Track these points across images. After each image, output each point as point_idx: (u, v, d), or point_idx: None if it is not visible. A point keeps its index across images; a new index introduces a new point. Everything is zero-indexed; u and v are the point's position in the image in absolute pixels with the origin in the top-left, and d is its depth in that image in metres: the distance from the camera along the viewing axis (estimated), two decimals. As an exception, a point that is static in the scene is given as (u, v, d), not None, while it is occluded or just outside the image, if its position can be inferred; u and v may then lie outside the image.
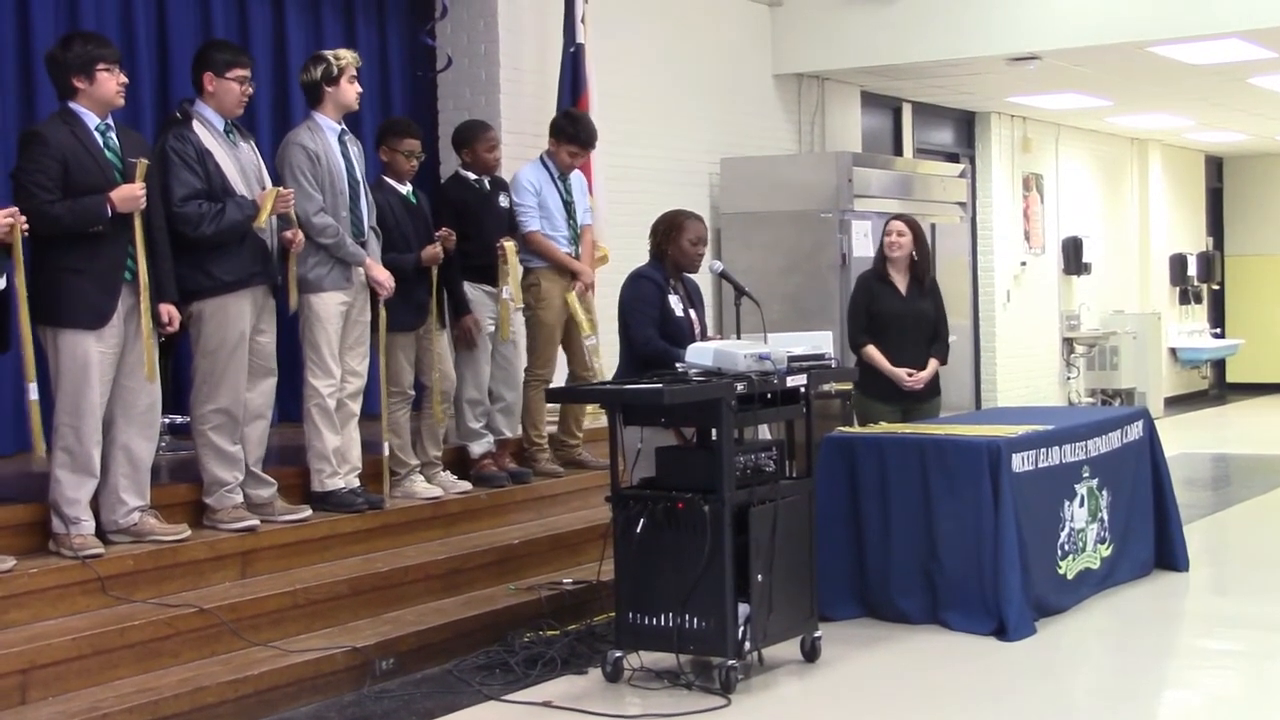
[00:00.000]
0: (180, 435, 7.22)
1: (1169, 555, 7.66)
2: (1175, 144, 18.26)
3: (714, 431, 5.65)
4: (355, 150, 6.72)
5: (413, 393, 7.13)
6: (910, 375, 7.65)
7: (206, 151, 6.04)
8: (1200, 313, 19.39)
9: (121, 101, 5.75)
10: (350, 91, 6.62)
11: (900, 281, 7.77)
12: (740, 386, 5.62)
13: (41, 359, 5.78)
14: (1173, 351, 18.22)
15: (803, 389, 5.97)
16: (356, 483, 6.67)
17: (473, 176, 7.56)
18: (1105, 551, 7.18)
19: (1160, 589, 7.38)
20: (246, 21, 8.25)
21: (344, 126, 6.69)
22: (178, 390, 7.12)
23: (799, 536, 5.89)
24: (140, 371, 5.70)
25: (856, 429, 7.35)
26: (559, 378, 7.88)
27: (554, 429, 8.04)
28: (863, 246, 10.40)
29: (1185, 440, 13.66)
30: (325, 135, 6.58)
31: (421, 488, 7.05)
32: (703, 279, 7.18)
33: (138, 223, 5.61)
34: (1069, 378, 16.11)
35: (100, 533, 5.70)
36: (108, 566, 5.56)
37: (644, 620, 5.64)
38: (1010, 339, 14.85)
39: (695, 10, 10.86)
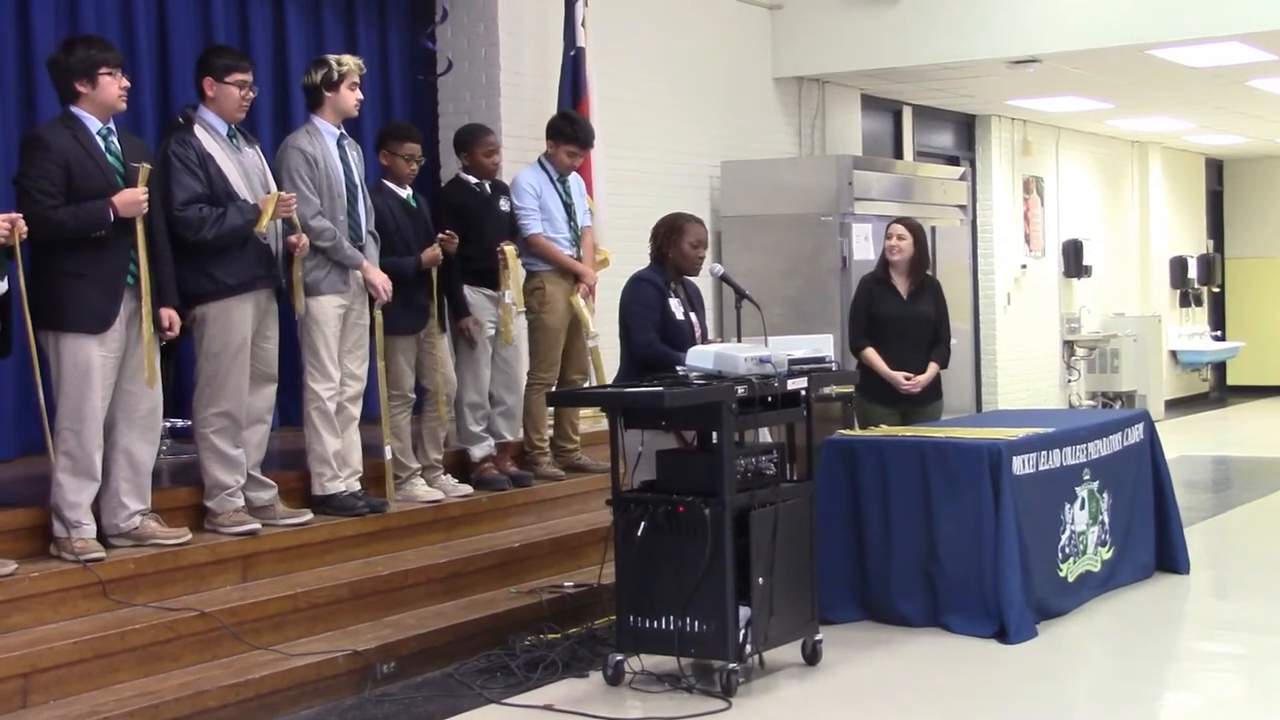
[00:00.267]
0: (181, 439, 7.22)
1: (1170, 558, 7.66)
2: (1175, 147, 18.27)
3: (715, 435, 5.65)
4: (354, 154, 6.72)
5: (413, 396, 7.13)
6: (908, 379, 7.66)
7: (208, 156, 6.05)
8: (1201, 315, 19.39)
9: (123, 106, 5.75)
10: (349, 98, 6.62)
11: (901, 285, 7.78)
12: (741, 390, 5.63)
13: (43, 363, 5.79)
14: (1173, 354, 18.23)
15: (803, 392, 5.97)
16: (358, 486, 6.67)
17: (473, 180, 7.56)
18: (1106, 554, 7.18)
19: (1161, 592, 7.38)
20: (247, 24, 8.26)
21: (343, 131, 6.70)
22: (179, 394, 7.13)
23: (800, 539, 5.89)
24: (141, 376, 5.71)
25: (857, 432, 7.35)
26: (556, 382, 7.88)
27: (550, 432, 8.03)
28: (863, 249, 10.40)
29: (1186, 443, 13.66)
30: (324, 139, 6.59)
31: (422, 491, 7.05)
32: (703, 282, 7.18)
33: (139, 227, 5.61)
34: (1069, 380, 16.11)
35: (101, 536, 5.71)
36: (109, 570, 5.56)
37: (645, 623, 5.65)
38: (1011, 342, 14.85)
39: (695, 13, 10.87)
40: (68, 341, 5.55)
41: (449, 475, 7.29)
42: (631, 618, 5.67)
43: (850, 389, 7.95)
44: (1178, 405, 17.89)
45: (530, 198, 7.69)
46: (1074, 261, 16.13)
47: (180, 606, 5.60)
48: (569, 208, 7.82)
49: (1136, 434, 7.58)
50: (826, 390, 7.71)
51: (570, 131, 7.86)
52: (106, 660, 5.22)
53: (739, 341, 6.40)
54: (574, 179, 7.96)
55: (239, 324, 6.09)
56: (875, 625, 6.59)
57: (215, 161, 6.06)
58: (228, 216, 6.01)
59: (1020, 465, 6.52)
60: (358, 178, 6.70)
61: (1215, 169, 20.01)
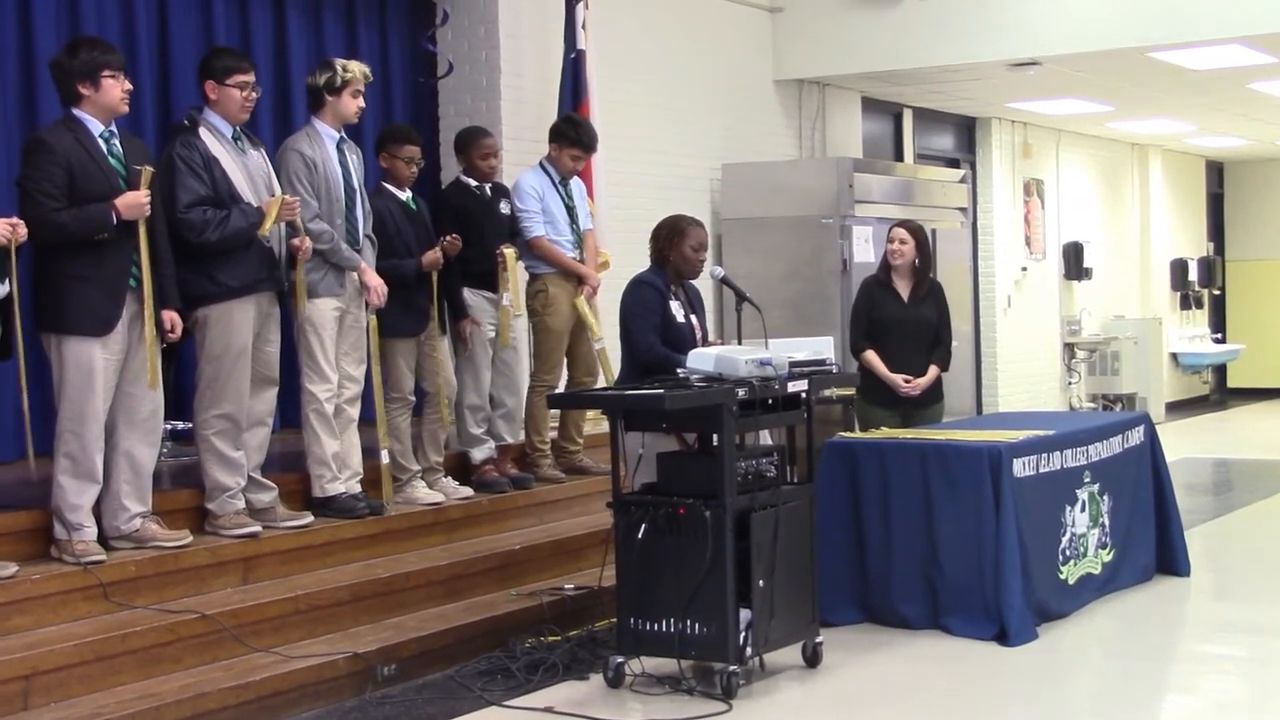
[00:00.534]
0: (182, 441, 7.23)
1: (1170, 560, 7.66)
2: (1176, 149, 18.27)
3: (715, 437, 5.65)
4: (354, 158, 6.73)
5: (413, 399, 7.13)
6: (908, 381, 7.66)
7: (213, 158, 6.05)
8: (1201, 318, 19.39)
9: (126, 108, 5.76)
10: (350, 105, 6.63)
11: (903, 288, 7.79)
12: (741, 392, 5.63)
13: (43, 365, 5.80)
14: (1174, 356, 18.23)
15: (804, 394, 5.97)
16: (358, 488, 6.67)
17: (473, 183, 7.57)
18: (1106, 556, 7.18)
19: (1161, 594, 7.38)
20: (248, 27, 8.26)
21: (343, 134, 6.70)
22: (179, 397, 7.14)
23: (800, 542, 5.89)
24: (143, 378, 5.71)
25: (858, 434, 7.35)
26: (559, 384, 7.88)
27: (554, 434, 8.04)
28: (863, 252, 10.41)
29: (1186, 445, 13.66)
30: (324, 142, 6.59)
31: (423, 494, 7.05)
32: (704, 285, 7.19)
33: (142, 230, 5.62)
34: (1070, 383, 16.11)
35: (102, 539, 5.71)
36: (110, 573, 5.56)
37: (645, 626, 5.65)
38: (1011, 344, 14.85)
39: (696, 16, 10.87)
40: (70, 344, 5.56)
41: (449, 478, 7.30)
42: (632, 620, 5.68)
43: (851, 391, 7.95)
44: (1178, 408, 17.89)
45: (533, 200, 7.69)
46: (1074, 264, 16.13)
47: (181, 609, 5.61)
48: (571, 210, 7.83)
49: (1137, 436, 7.58)
50: (827, 393, 7.71)
51: (574, 135, 7.86)
52: (107, 662, 5.23)
53: (739, 344, 6.40)
54: (575, 182, 7.97)
55: (241, 326, 6.09)
56: (876, 627, 6.59)
57: (220, 164, 6.07)
58: (231, 219, 6.02)
59: (1021, 468, 6.52)
60: (356, 181, 6.70)
61: (1216, 171, 20.01)
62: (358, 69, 6.66)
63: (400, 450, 7.02)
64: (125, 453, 5.74)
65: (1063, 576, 6.81)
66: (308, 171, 6.49)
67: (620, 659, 5.72)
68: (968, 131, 14.76)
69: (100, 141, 5.64)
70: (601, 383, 7.86)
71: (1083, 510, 6.99)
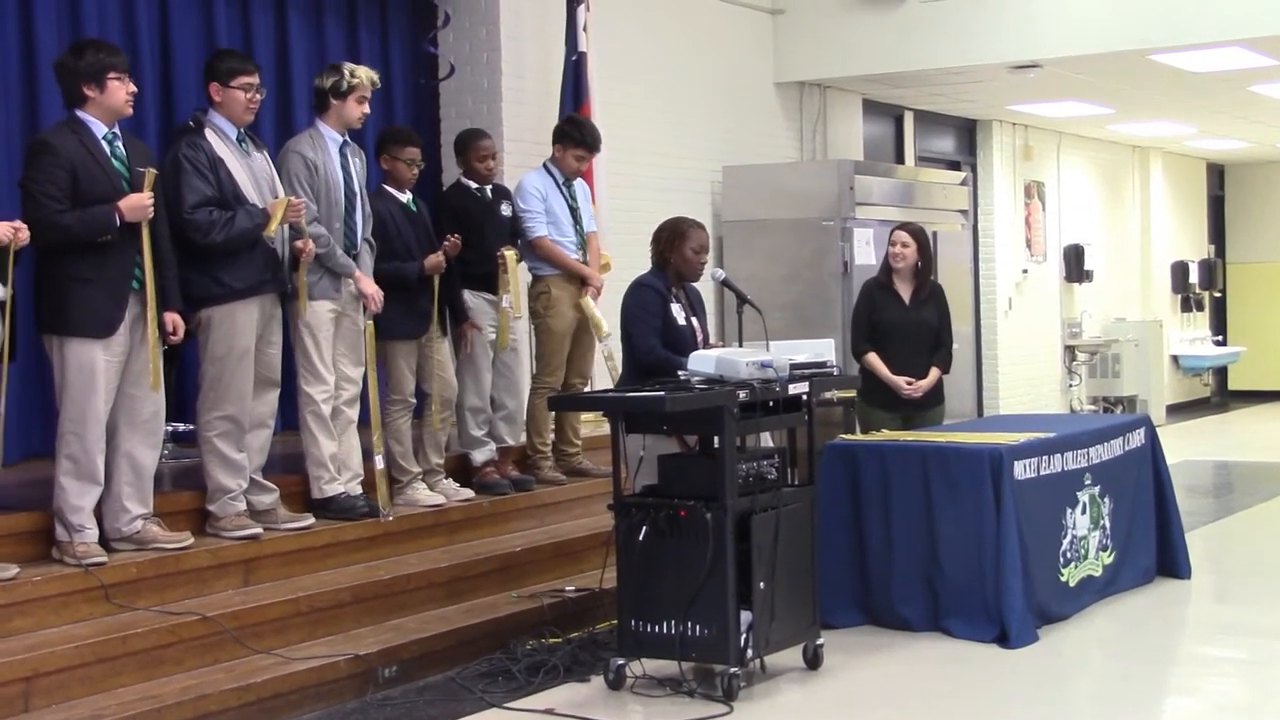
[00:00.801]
0: (183, 443, 7.23)
1: (1171, 562, 7.66)
2: (1177, 151, 18.27)
3: (716, 439, 5.65)
4: (357, 162, 6.73)
5: (414, 400, 7.13)
6: (910, 384, 7.66)
7: (219, 159, 6.06)
8: (1202, 320, 19.39)
9: (130, 111, 5.77)
10: (355, 111, 6.63)
11: (904, 290, 7.79)
12: (742, 394, 5.63)
13: (45, 367, 5.80)
14: (1175, 359, 18.23)
15: (805, 397, 5.97)
16: (358, 489, 6.67)
17: (474, 185, 7.57)
18: (1107, 559, 7.18)
19: (1162, 596, 7.38)
20: (249, 29, 8.26)
21: (346, 138, 6.70)
22: (181, 398, 7.14)
23: (801, 544, 5.89)
24: (145, 380, 5.71)
25: (858, 436, 7.35)
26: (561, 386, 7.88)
27: (552, 437, 8.03)
28: (864, 254, 10.41)
29: (1187, 448, 13.66)
30: (326, 145, 6.60)
31: (424, 495, 7.05)
32: (705, 287, 7.19)
33: (145, 232, 5.62)
34: (1071, 385, 16.11)
35: (103, 540, 5.71)
36: (111, 574, 5.56)
37: (646, 628, 5.65)
38: (1012, 347, 14.85)
39: (697, 18, 10.88)
40: (72, 346, 5.56)
41: (450, 479, 7.30)
42: (633, 622, 5.68)
43: (852, 393, 7.95)
44: (1179, 410, 17.89)
45: (536, 201, 7.69)
46: (1075, 266, 16.13)
47: (182, 610, 5.61)
48: (574, 211, 7.83)
49: (1138, 439, 7.59)
50: (828, 395, 7.71)
51: (578, 136, 7.87)
52: (108, 664, 5.23)
53: (740, 346, 6.40)
54: (579, 184, 7.97)
55: (244, 328, 6.10)
56: (876, 629, 6.59)
57: (225, 165, 6.08)
58: (237, 220, 6.02)
59: (1021, 470, 6.52)
60: (358, 185, 6.70)
61: (1217, 174, 20.01)
62: (365, 75, 6.67)
63: (401, 452, 7.02)
64: (127, 454, 5.74)
65: (1063, 579, 6.81)
66: (308, 174, 6.50)
67: (621, 661, 5.73)
68: (968, 134, 14.76)
69: (103, 143, 5.65)
70: (609, 384, 7.86)
71: (1083, 512, 6.99)
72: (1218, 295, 19.80)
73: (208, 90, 6.16)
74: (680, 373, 5.86)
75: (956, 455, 6.53)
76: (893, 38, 11.16)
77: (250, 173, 6.17)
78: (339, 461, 6.60)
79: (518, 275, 7.53)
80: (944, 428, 7.62)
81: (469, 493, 7.30)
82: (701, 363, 5.81)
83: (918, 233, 7.85)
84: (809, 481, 6.12)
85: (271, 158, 6.44)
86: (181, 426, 7.14)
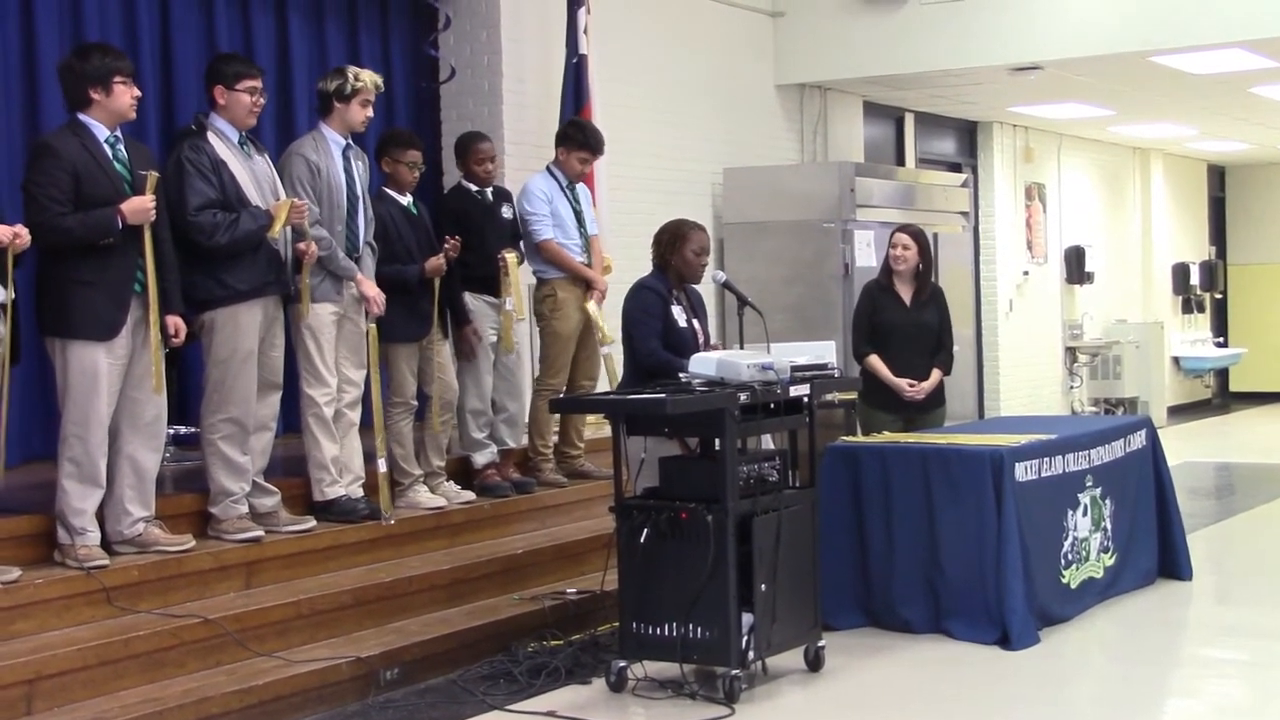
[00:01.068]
0: (185, 446, 7.24)
1: (1172, 564, 7.66)
2: (1177, 153, 18.27)
3: (717, 441, 5.66)
4: (359, 166, 6.74)
5: (415, 403, 7.13)
6: (912, 386, 7.67)
7: (221, 162, 6.07)
8: (1203, 322, 19.39)
9: (134, 115, 5.80)
10: (358, 114, 6.64)
11: (905, 292, 7.79)
12: (743, 396, 5.63)
13: (47, 370, 5.80)
14: (1176, 360, 18.22)
15: (806, 399, 5.98)
16: (359, 492, 6.68)
17: (474, 188, 7.58)
18: (1108, 560, 7.19)
19: (1164, 598, 7.38)
20: (250, 33, 8.27)
21: (349, 141, 6.71)
22: (182, 401, 7.14)
23: (802, 546, 5.90)
24: (147, 383, 5.72)
25: (860, 438, 7.35)
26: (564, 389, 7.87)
27: (555, 439, 8.03)
28: (865, 256, 10.41)
29: (1188, 449, 13.66)
30: (329, 148, 6.61)
31: (425, 498, 7.05)
32: (706, 289, 7.19)
33: (147, 235, 5.63)
34: (1072, 387, 16.11)
35: (105, 543, 5.72)
36: (113, 577, 5.57)
37: (648, 630, 5.65)
38: (1013, 348, 14.85)
39: (697, 21, 10.88)
40: (75, 348, 5.57)
41: (452, 482, 7.30)
42: (634, 624, 5.68)
43: (853, 395, 7.96)
44: (1180, 412, 17.89)
45: (542, 204, 7.69)
46: (1076, 268, 16.13)
47: (184, 613, 5.61)
48: (579, 215, 7.82)
49: (1139, 440, 7.59)
50: (829, 397, 7.71)
51: (581, 138, 7.87)
52: (111, 667, 5.23)
53: (741, 348, 6.40)
54: (581, 187, 7.96)
55: (247, 330, 6.11)
56: (878, 631, 6.59)
57: (228, 168, 6.08)
58: (241, 222, 6.03)
59: (1023, 472, 6.52)
60: (360, 189, 6.71)
61: (1218, 175, 20.02)
62: (369, 79, 6.67)
63: (402, 455, 7.02)
64: (129, 457, 5.75)
65: (1065, 580, 6.81)
66: (311, 176, 6.50)
67: (622, 663, 5.73)
68: (969, 136, 14.76)
69: (105, 146, 5.66)
70: (607, 387, 7.86)
71: (1084, 514, 6.99)
72: (1219, 297, 19.79)
73: (211, 93, 6.16)
74: (681, 375, 5.86)
75: (958, 457, 6.53)
76: (893, 40, 11.16)
77: (252, 175, 6.18)
78: (340, 464, 6.61)
79: (519, 277, 7.53)
80: (945, 430, 7.62)
81: (470, 495, 7.31)
82: (702, 365, 5.82)
83: (918, 234, 7.85)
84: (810, 483, 6.13)
85: (272, 161, 6.45)
86: (183, 429, 7.15)
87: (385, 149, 7.11)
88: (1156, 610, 7.17)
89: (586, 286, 7.76)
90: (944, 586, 6.48)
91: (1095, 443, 7.16)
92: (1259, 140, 16.87)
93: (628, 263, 8.02)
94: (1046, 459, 6.72)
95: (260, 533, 6.18)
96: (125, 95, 5.67)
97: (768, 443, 6.50)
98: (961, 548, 6.45)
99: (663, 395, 5.58)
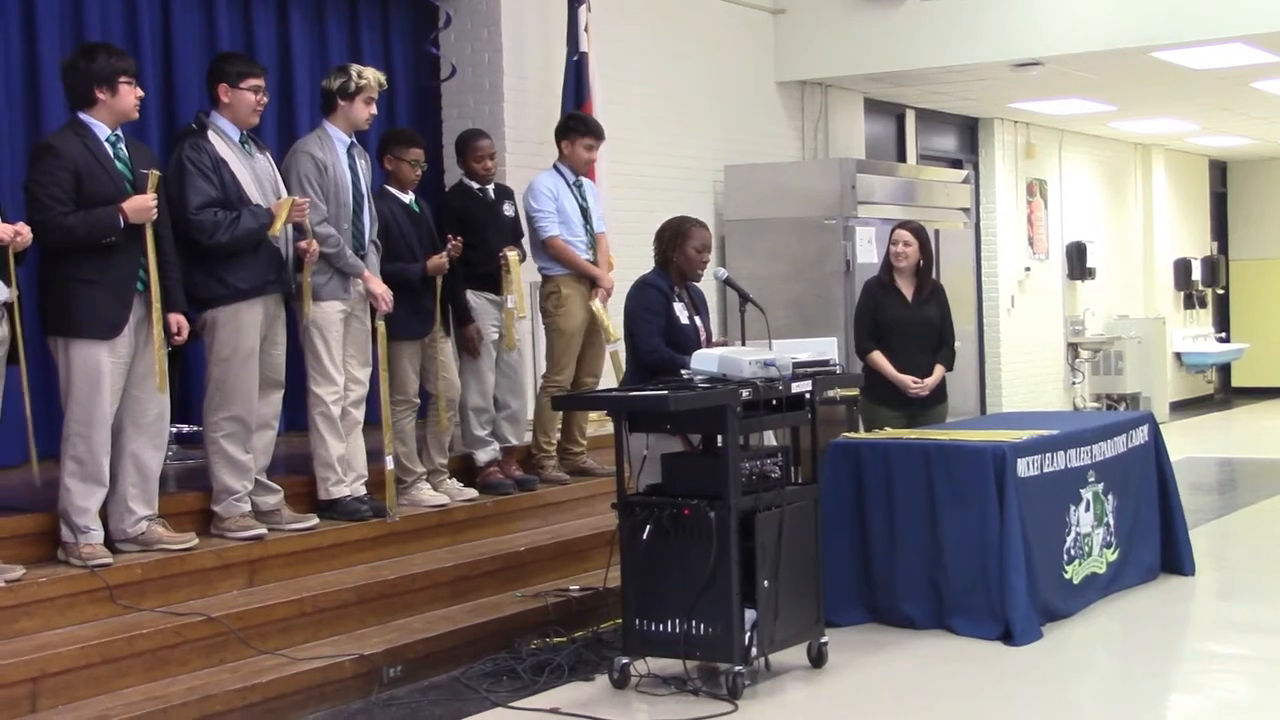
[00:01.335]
0: (188, 444, 7.25)
1: (1175, 560, 7.66)
2: (1179, 149, 18.26)
3: (719, 438, 5.66)
4: (363, 164, 6.74)
5: (418, 401, 7.14)
6: (916, 382, 7.67)
7: (222, 161, 6.07)
8: (1205, 317, 19.38)
9: (137, 115, 5.81)
10: (362, 112, 6.64)
11: (906, 289, 7.80)
12: (745, 393, 5.64)
13: (50, 369, 5.81)
14: (1178, 356, 18.21)
15: (808, 395, 5.98)
16: (363, 490, 6.68)
17: (476, 185, 7.58)
18: (1111, 556, 7.19)
19: (1166, 593, 7.39)
20: (251, 32, 8.28)
21: (353, 139, 6.71)
22: (185, 400, 7.15)
23: (805, 542, 5.90)
24: (150, 381, 5.73)
25: (862, 435, 7.36)
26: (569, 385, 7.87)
27: (558, 436, 8.03)
28: (866, 253, 10.42)
29: (1191, 445, 13.66)
30: (334, 146, 6.61)
31: (428, 496, 7.06)
32: (707, 286, 7.20)
33: (149, 233, 5.64)
34: (1074, 383, 16.11)
35: (108, 542, 5.73)
36: (116, 575, 5.58)
37: (651, 626, 5.66)
38: (1014, 344, 14.85)
39: (698, 18, 10.89)
40: (77, 347, 5.57)
41: (454, 479, 7.30)
42: (637, 621, 5.68)
43: (855, 392, 7.96)
44: (1182, 407, 17.88)
45: (548, 201, 7.69)
46: (1078, 264, 16.13)
47: (187, 611, 5.62)
48: (585, 211, 7.81)
49: (1141, 436, 7.59)
50: (831, 393, 7.72)
51: (583, 126, 7.90)
52: (114, 665, 5.24)
53: (743, 345, 6.41)
54: (589, 185, 7.94)
55: (249, 328, 6.11)
56: (880, 628, 6.59)
57: (228, 166, 6.09)
58: (242, 220, 6.04)
59: (1025, 467, 6.52)
60: (364, 187, 6.71)
61: (1219, 171, 20.00)
62: (372, 76, 6.68)
63: (405, 452, 7.03)
64: (132, 456, 5.76)
65: (1067, 576, 6.81)
66: (318, 174, 6.51)
67: (625, 660, 5.74)
68: (970, 132, 14.76)
69: (107, 146, 5.66)
70: (612, 384, 7.86)
71: (1087, 510, 7.00)
72: (1220, 292, 19.78)
73: (215, 91, 6.16)
74: (683, 372, 5.87)
75: (960, 453, 6.53)
76: (894, 36, 11.16)
77: (253, 174, 6.18)
78: (345, 463, 6.61)
79: (520, 275, 7.53)
80: (947, 426, 7.63)
81: (473, 492, 7.31)
82: (705, 361, 5.82)
83: (918, 230, 7.85)
84: (812, 480, 6.13)
85: (274, 159, 6.45)
86: (185, 428, 7.15)
87: (387, 147, 7.11)
88: (1159, 605, 7.18)
89: (592, 284, 7.76)
90: (946, 583, 6.49)
91: (1097, 438, 7.16)
92: (1261, 135, 16.87)
93: (629, 260, 8.03)
94: (1049, 455, 6.72)
95: (263, 531, 6.19)
96: (130, 95, 5.69)
97: (770, 439, 6.50)
98: (964, 544, 6.45)
99: (665, 392, 5.59)
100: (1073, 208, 16.22)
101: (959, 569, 6.46)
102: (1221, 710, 5.67)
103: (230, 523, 6.14)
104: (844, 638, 6.33)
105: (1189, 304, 18.86)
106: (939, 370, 7.77)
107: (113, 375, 5.61)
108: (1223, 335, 19.65)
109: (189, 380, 7.35)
